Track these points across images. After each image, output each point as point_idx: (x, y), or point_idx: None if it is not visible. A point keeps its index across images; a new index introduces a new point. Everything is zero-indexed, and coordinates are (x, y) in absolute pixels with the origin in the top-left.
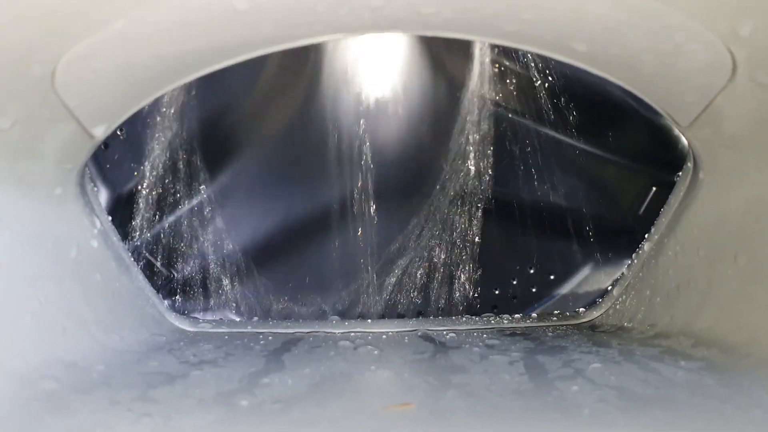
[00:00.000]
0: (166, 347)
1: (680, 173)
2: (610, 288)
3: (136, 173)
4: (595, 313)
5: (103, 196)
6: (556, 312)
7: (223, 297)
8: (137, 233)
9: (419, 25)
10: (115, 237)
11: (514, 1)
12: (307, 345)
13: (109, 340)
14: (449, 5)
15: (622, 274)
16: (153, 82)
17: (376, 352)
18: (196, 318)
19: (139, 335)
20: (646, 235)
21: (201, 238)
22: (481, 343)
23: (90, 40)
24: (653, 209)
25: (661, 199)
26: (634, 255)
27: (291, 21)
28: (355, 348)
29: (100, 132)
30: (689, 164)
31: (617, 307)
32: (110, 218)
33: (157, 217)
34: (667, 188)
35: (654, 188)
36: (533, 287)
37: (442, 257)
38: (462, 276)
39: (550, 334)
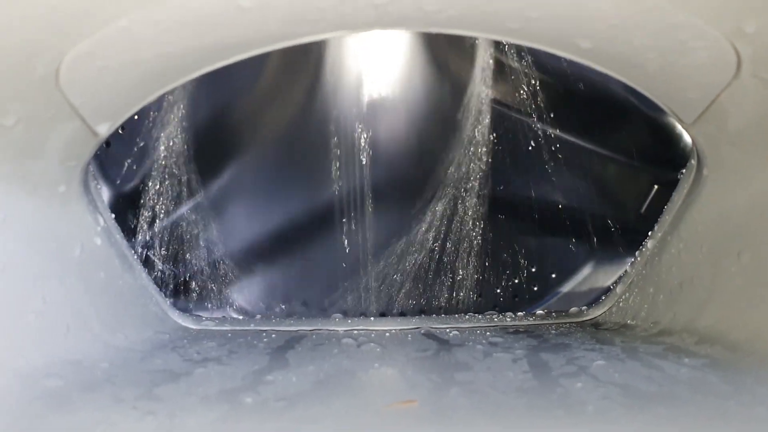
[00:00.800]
0: (170, 345)
1: (684, 170)
2: (613, 286)
3: (137, 171)
4: (598, 311)
5: (105, 193)
6: (559, 310)
7: (226, 294)
8: (139, 231)
9: (423, 22)
10: (118, 235)
11: (518, 2)
12: (310, 342)
13: (113, 339)
14: (453, 3)
15: (626, 271)
16: (157, 79)
17: (379, 349)
18: (200, 316)
19: (142, 333)
20: (650, 233)
21: (202, 237)
22: (484, 341)
23: (94, 38)
24: (656, 207)
25: (664, 197)
26: (637, 253)
27: (295, 18)
28: (359, 345)
29: (104, 129)
30: (693, 161)
31: (620, 304)
32: (113, 216)
33: (158, 215)
34: (670, 186)
35: (656, 186)
36: (536, 285)
37: (445, 256)
38: (464, 274)
39: (553, 331)
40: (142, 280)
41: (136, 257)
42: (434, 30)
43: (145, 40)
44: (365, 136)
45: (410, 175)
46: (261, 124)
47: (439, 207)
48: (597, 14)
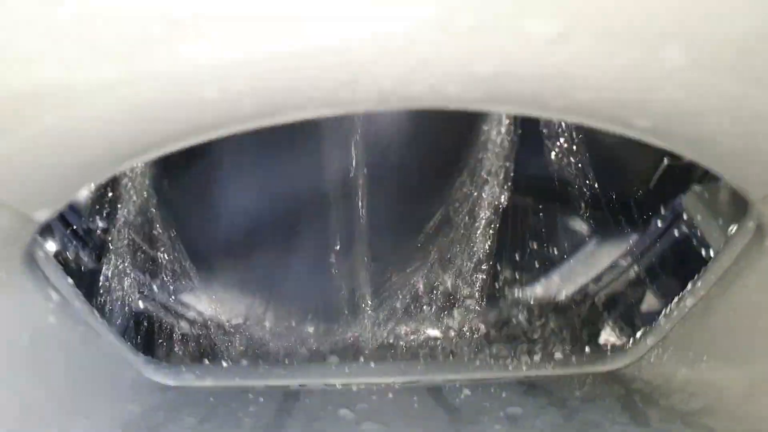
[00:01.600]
0: (144, 423)
1: (733, 228)
2: (640, 336)
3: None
4: (625, 360)
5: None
6: (579, 354)
7: (208, 341)
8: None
9: (442, 101)
10: (78, 302)
11: (565, 83)
12: (303, 415)
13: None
14: (480, 88)
15: (658, 323)
16: (101, 166)
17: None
18: (179, 367)
19: (112, 410)
20: (688, 287)
21: (183, 280)
22: (501, 413)
23: (15, 138)
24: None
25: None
26: (672, 305)
27: (275, 104)
28: (358, 423)
29: (44, 214)
30: (750, 224)
31: (651, 360)
32: (71, 281)
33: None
34: None
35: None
36: (552, 325)
37: (450, 293)
38: (471, 312)
39: (577, 391)
40: (110, 340)
41: (100, 320)
42: (454, 107)
43: (80, 133)
44: (363, 171)
45: (411, 204)
46: (247, 167)
47: (443, 238)
48: (665, 100)
